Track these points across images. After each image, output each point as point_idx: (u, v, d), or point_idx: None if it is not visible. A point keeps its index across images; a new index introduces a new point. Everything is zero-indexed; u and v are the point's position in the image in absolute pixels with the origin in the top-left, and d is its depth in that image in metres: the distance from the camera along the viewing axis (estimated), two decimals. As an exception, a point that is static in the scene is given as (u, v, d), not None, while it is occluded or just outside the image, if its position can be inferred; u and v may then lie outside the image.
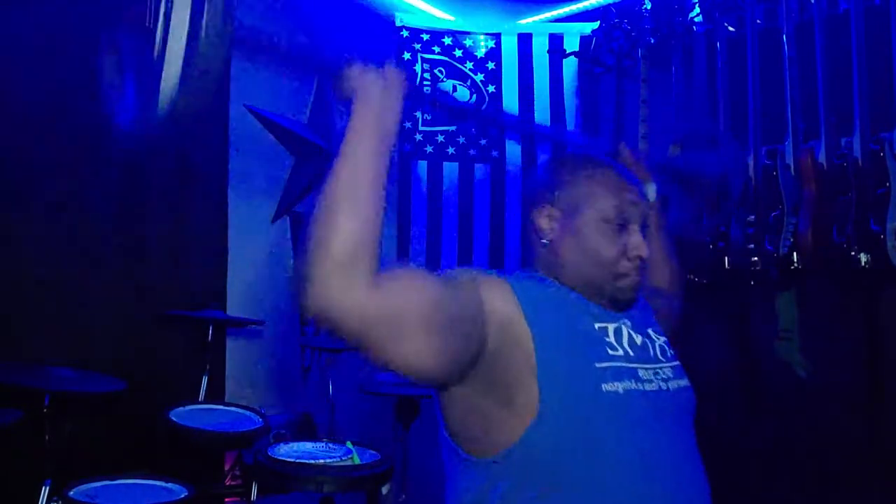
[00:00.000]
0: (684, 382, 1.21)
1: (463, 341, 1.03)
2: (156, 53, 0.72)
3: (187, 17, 0.68)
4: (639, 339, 1.19)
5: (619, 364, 1.11)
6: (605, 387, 1.07)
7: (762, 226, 2.88)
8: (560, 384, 1.05)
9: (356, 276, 0.93)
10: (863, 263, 2.61)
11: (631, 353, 1.14)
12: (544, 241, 1.22)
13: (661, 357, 1.20)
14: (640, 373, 1.13)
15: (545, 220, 1.23)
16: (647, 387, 1.12)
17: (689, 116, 3.27)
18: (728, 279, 2.98)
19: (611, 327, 1.16)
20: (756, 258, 2.88)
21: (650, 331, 1.24)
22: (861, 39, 2.75)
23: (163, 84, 0.75)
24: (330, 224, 0.95)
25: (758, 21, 3.06)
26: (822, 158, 2.78)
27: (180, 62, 0.71)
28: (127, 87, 0.77)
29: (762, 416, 3.03)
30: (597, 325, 1.15)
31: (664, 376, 1.16)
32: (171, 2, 0.67)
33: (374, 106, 1.06)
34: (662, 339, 1.24)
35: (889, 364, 2.76)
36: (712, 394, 3.08)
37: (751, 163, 2.99)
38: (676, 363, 1.23)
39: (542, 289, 1.18)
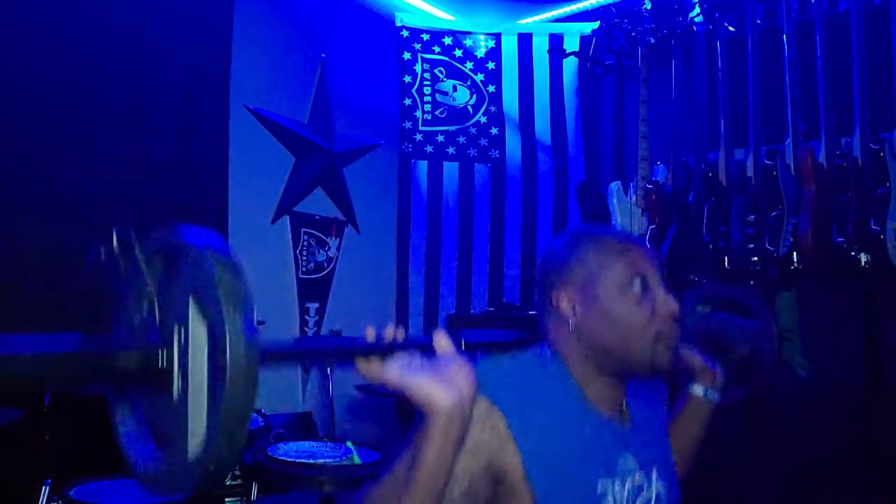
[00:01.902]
0: None
1: None
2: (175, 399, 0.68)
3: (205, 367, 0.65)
4: (634, 495, 1.16)
5: None
6: None
7: (762, 226, 2.88)
8: None
9: None
10: (863, 263, 2.61)
11: None
12: (571, 325, 1.16)
13: None
14: None
15: (565, 302, 1.17)
16: None
17: (690, 121, 3.27)
18: (728, 279, 2.99)
19: (611, 483, 1.14)
20: (756, 258, 2.89)
21: (654, 472, 1.21)
22: (861, 39, 2.75)
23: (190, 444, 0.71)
24: None
25: (758, 21, 3.07)
26: (822, 158, 2.78)
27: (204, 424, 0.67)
28: (144, 436, 0.74)
29: (762, 415, 3.03)
30: (599, 486, 1.12)
31: None
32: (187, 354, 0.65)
33: (454, 441, 0.91)
34: (662, 483, 1.22)
35: (888, 364, 2.76)
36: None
37: (750, 163, 3.00)
38: None
39: (550, 418, 1.12)
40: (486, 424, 1.05)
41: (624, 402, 1.22)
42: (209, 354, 0.68)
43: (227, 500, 2.94)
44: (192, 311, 0.70)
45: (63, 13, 2.84)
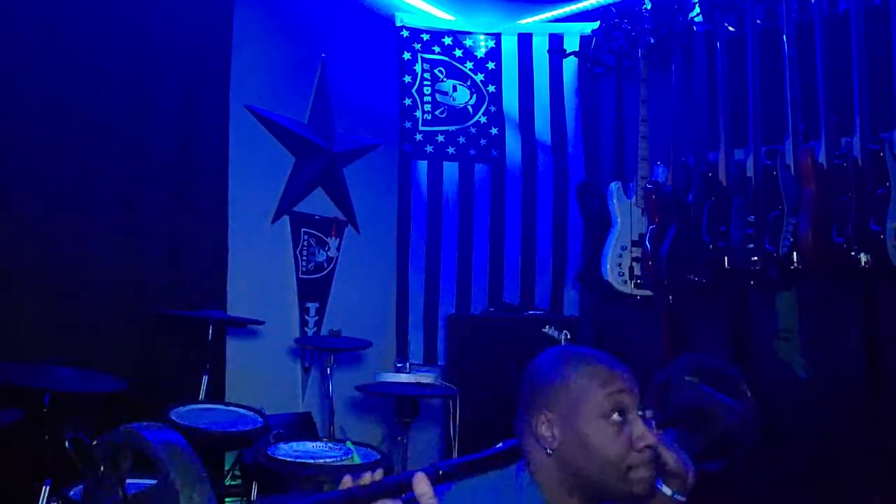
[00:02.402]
0: None
1: None
2: None
3: None
4: None
5: None
6: None
7: (762, 226, 2.88)
8: None
9: None
10: (863, 263, 2.61)
11: None
12: (549, 450, 1.18)
13: None
14: None
15: (544, 427, 1.19)
16: None
17: (690, 121, 3.27)
18: (728, 279, 2.98)
19: None
20: (756, 258, 2.88)
21: None
22: (861, 39, 2.75)
23: None
24: None
25: (758, 21, 3.06)
26: (822, 158, 2.78)
27: None
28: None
29: (761, 415, 3.03)
30: None
31: None
32: None
33: None
34: None
35: (888, 364, 2.76)
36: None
37: (750, 163, 3.00)
38: None
39: None
40: None
41: None
42: None
43: (227, 500, 2.94)
44: None
45: (63, 13, 2.84)
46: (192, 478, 0.72)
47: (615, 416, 1.17)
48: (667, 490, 1.37)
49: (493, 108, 4.29)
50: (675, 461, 1.35)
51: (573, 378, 1.20)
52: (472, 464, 1.16)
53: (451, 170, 4.25)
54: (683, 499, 1.38)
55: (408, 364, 3.62)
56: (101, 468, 0.81)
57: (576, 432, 1.17)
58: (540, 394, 1.21)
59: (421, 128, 4.24)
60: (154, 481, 0.75)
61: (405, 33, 4.27)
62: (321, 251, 3.97)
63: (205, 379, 2.84)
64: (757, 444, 1.57)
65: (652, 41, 3.47)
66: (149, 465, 0.76)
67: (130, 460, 0.82)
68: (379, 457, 2.57)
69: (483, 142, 4.27)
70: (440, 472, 0.99)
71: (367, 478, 0.94)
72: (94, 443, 0.84)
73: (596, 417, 1.16)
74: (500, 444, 1.23)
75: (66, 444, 0.81)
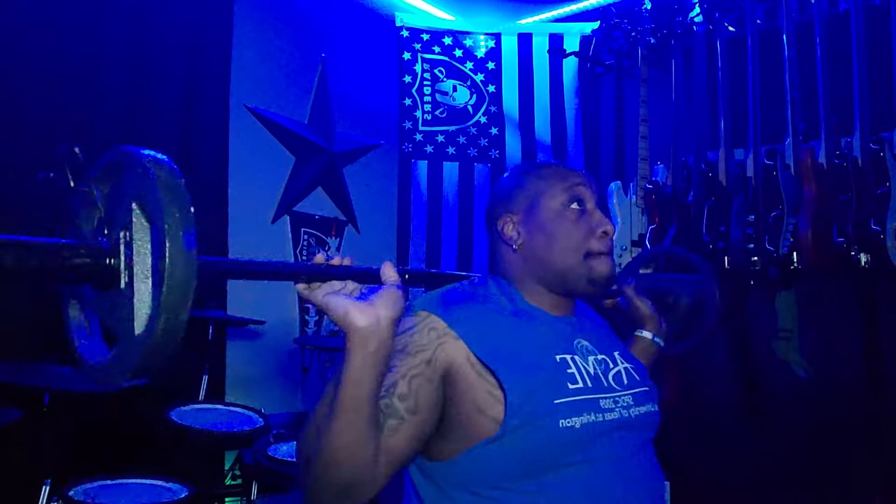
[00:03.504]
0: (646, 408, 1.21)
1: (437, 415, 1.10)
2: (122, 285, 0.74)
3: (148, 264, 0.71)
4: (600, 367, 1.19)
5: (578, 397, 1.11)
6: (563, 423, 1.07)
7: (762, 226, 2.88)
8: (519, 416, 1.07)
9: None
10: (863, 263, 2.61)
11: (590, 384, 1.14)
12: (514, 247, 1.24)
13: (623, 383, 1.20)
14: (601, 402, 1.14)
15: (509, 227, 1.25)
16: (608, 416, 1.13)
17: (690, 121, 3.27)
18: (728, 279, 2.99)
19: (570, 358, 1.16)
20: (756, 258, 2.88)
21: (616, 355, 1.25)
22: (861, 39, 2.75)
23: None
24: (331, 469, 0.98)
25: (758, 21, 3.07)
26: (822, 158, 2.78)
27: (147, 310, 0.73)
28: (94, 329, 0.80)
29: (761, 415, 3.03)
30: (557, 357, 1.15)
31: (624, 403, 1.17)
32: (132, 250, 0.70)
33: (372, 359, 0.95)
34: (627, 364, 1.24)
35: (888, 363, 2.76)
36: (712, 393, 3.10)
37: (750, 163, 3.00)
38: (641, 388, 1.22)
39: (495, 318, 1.17)
40: (424, 327, 1.12)
41: (572, 311, 1.27)
42: (153, 248, 0.77)
43: (227, 500, 2.94)
44: (136, 213, 0.79)
45: (62, 13, 2.84)
46: (173, 195, 0.79)
47: (574, 206, 1.23)
48: (647, 334, 1.49)
49: (493, 108, 4.29)
50: (648, 307, 1.50)
51: (532, 179, 1.27)
52: (438, 275, 1.24)
53: (451, 170, 4.25)
54: (662, 343, 1.49)
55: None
56: (90, 186, 0.85)
57: (537, 225, 1.23)
58: (502, 200, 1.28)
59: (421, 128, 4.24)
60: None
61: (405, 33, 4.27)
62: (321, 251, 3.96)
63: (205, 379, 2.84)
64: (721, 313, 1.67)
65: (652, 41, 3.47)
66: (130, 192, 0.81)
67: (113, 178, 0.89)
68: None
69: (483, 142, 4.27)
70: (406, 276, 1.03)
71: (336, 260, 0.98)
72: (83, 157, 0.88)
73: (555, 207, 1.23)
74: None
75: (57, 155, 0.85)
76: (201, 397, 2.81)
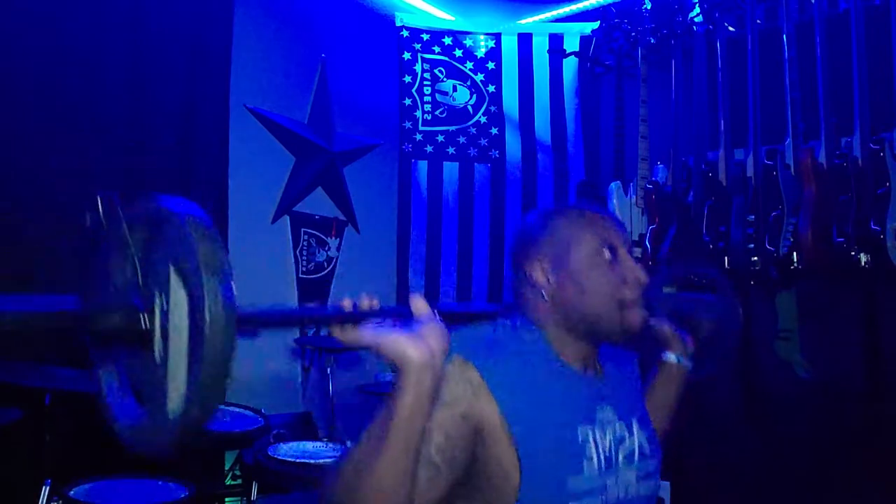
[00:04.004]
0: (647, 484, 1.23)
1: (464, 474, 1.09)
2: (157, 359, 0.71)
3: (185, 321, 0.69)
4: (616, 443, 1.20)
5: (590, 483, 1.14)
6: None
7: (762, 226, 2.88)
8: (532, 491, 1.08)
9: None
10: (863, 263, 2.61)
11: (603, 467, 1.16)
12: (544, 294, 1.22)
13: (633, 461, 1.22)
14: (608, 483, 1.16)
15: (539, 273, 1.22)
16: (610, 494, 1.16)
17: (690, 121, 3.27)
18: (728, 279, 2.98)
19: (591, 431, 1.17)
20: (756, 258, 2.88)
21: (635, 423, 1.25)
22: (861, 39, 2.75)
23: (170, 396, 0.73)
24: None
25: (758, 21, 3.06)
26: (822, 158, 2.78)
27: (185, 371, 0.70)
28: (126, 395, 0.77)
29: (762, 415, 3.03)
30: (579, 431, 1.16)
31: (628, 480, 1.20)
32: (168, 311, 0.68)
33: (426, 395, 0.93)
34: (642, 434, 1.25)
35: (888, 364, 2.76)
36: (712, 393, 3.09)
37: (750, 163, 3.00)
38: (648, 464, 1.24)
39: (526, 373, 1.16)
40: (461, 378, 1.09)
41: (598, 363, 1.27)
42: (189, 316, 0.72)
43: (227, 500, 2.94)
44: (173, 277, 0.74)
45: (62, 13, 2.84)
46: (210, 247, 0.74)
47: (605, 254, 1.21)
48: (672, 357, 1.46)
49: (493, 108, 4.29)
50: (670, 330, 1.46)
51: (562, 224, 1.25)
52: (468, 313, 1.23)
53: (451, 170, 4.25)
54: (689, 364, 1.47)
55: (408, 364, 3.61)
56: (123, 231, 0.82)
57: (569, 273, 1.21)
58: (532, 245, 1.25)
59: (421, 128, 4.24)
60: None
61: (405, 33, 4.27)
62: (321, 251, 3.97)
63: (205, 379, 2.83)
64: (741, 340, 1.66)
65: (652, 41, 3.46)
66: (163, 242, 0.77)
67: (145, 232, 0.83)
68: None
69: (483, 142, 4.27)
70: (437, 313, 1.00)
71: (365, 302, 0.95)
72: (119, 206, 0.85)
73: (587, 255, 1.21)
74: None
75: (98, 202, 0.82)
76: (201, 397, 2.80)
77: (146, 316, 0.75)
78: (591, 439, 1.16)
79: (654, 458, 1.26)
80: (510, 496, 1.07)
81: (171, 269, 0.74)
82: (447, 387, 1.06)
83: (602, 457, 1.16)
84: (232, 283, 0.73)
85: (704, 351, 1.57)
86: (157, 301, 0.75)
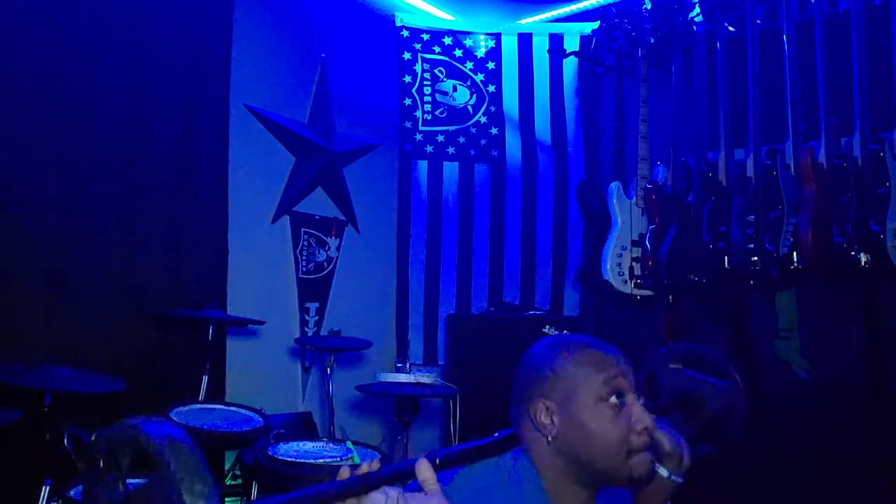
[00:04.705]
0: None
1: None
2: None
3: None
4: None
5: None
6: None
7: (762, 226, 2.88)
8: None
9: None
10: (863, 263, 2.61)
11: None
12: (548, 437, 1.19)
13: None
14: None
15: (543, 415, 1.19)
16: None
17: (690, 121, 3.27)
18: (728, 279, 2.99)
19: None
20: (756, 258, 2.88)
21: None
22: (861, 39, 2.75)
23: None
24: None
25: (758, 21, 3.06)
26: (822, 158, 2.78)
27: None
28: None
29: (761, 415, 3.03)
30: None
31: None
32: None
33: None
34: None
35: (889, 363, 2.76)
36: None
37: (750, 163, 3.00)
38: None
39: None
40: None
41: None
42: None
43: (227, 500, 2.94)
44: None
45: (62, 13, 2.84)
46: (192, 470, 0.71)
47: (612, 400, 1.17)
48: (664, 472, 1.37)
49: (493, 108, 4.29)
50: (669, 442, 1.35)
51: (568, 365, 1.20)
52: (469, 451, 1.16)
53: (451, 170, 4.25)
54: (680, 480, 1.39)
55: (408, 364, 3.61)
56: (101, 463, 0.80)
57: (574, 418, 1.17)
58: (536, 383, 1.22)
59: (421, 128, 4.24)
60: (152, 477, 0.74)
61: (405, 33, 4.27)
62: (321, 251, 3.97)
63: (205, 379, 2.84)
64: (747, 423, 1.60)
65: (652, 41, 3.47)
66: (149, 460, 0.76)
67: (130, 456, 0.81)
68: (379, 457, 2.57)
69: (483, 142, 4.27)
70: (437, 461, 0.98)
71: (364, 467, 0.93)
72: (93, 438, 0.83)
73: (593, 402, 1.17)
74: (496, 434, 1.23)
75: (65, 440, 0.81)
76: (201, 397, 2.80)
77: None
78: None
79: None
80: None
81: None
82: None
83: None
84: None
85: (707, 432, 1.53)
86: None
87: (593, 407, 1.17)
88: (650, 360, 1.62)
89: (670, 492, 1.38)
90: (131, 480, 0.81)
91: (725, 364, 1.64)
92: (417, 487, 0.96)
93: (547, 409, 1.19)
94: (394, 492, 0.92)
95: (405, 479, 0.95)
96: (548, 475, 1.19)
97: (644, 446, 1.18)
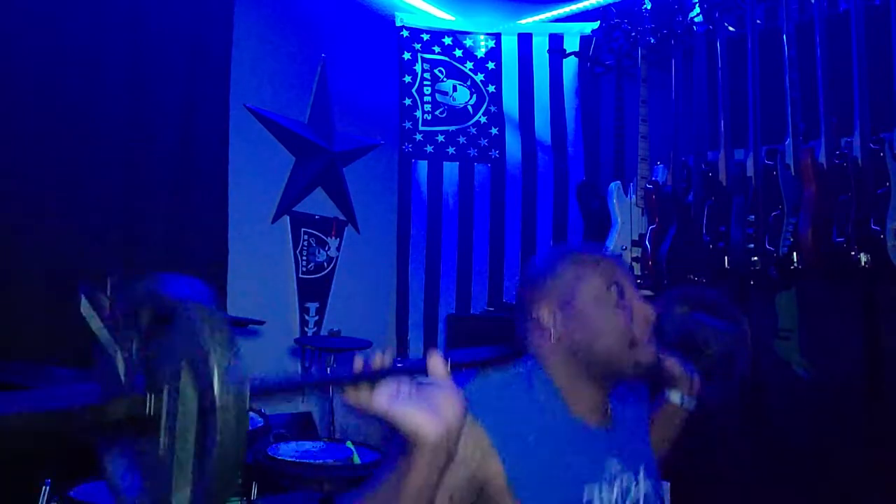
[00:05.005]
0: None
1: None
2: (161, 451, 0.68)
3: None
4: (622, 496, 1.19)
5: None
6: None
7: (762, 226, 2.88)
8: None
9: None
10: (863, 263, 2.61)
11: None
12: (552, 336, 1.20)
13: None
14: None
15: (546, 314, 1.21)
16: None
17: (690, 121, 3.27)
18: (728, 279, 2.98)
19: (597, 489, 1.16)
20: (756, 258, 2.88)
21: (641, 470, 1.24)
22: (861, 39, 2.75)
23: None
24: None
25: (758, 21, 3.07)
26: (822, 158, 2.78)
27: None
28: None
29: (761, 415, 3.03)
30: (585, 491, 1.15)
31: None
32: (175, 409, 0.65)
33: (439, 473, 0.91)
34: (647, 483, 1.25)
35: (889, 363, 2.76)
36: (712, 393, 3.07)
37: (750, 163, 3.00)
38: None
39: (536, 434, 1.14)
40: (469, 440, 1.06)
41: (608, 408, 1.25)
42: (198, 412, 0.68)
43: (227, 500, 2.94)
44: (184, 368, 0.70)
45: (62, 13, 2.84)
46: (210, 320, 0.70)
47: (612, 291, 1.20)
48: (675, 397, 1.45)
49: (493, 108, 4.29)
50: (678, 368, 1.43)
51: (568, 267, 1.23)
52: (482, 361, 1.17)
53: (451, 170, 4.25)
54: (692, 405, 1.45)
55: (408, 364, 3.61)
56: (120, 322, 0.79)
57: (577, 314, 1.20)
58: (538, 288, 1.24)
59: (421, 128, 4.24)
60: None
61: (405, 33, 4.27)
62: (321, 251, 3.97)
63: (205, 379, 2.83)
64: (749, 365, 1.62)
65: (652, 41, 3.47)
66: (167, 315, 0.74)
67: (149, 313, 0.80)
68: (379, 456, 2.57)
69: (483, 142, 4.27)
70: (450, 363, 0.96)
71: (378, 359, 0.91)
72: (110, 292, 0.82)
73: (594, 296, 1.20)
74: (502, 347, 1.24)
75: (81, 296, 0.79)
76: (201, 397, 2.80)
77: (152, 400, 0.72)
78: (596, 497, 1.15)
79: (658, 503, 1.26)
80: None
81: (182, 358, 0.71)
82: (470, 465, 1.06)
83: None
84: (241, 363, 0.70)
85: (713, 375, 1.54)
86: (165, 396, 0.71)
87: (594, 301, 1.20)
88: (657, 303, 1.64)
89: (683, 418, 1.45)
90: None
91: (729, 306, 1.67)
92: None
93: (550, 310, 1.21)
94: (406, 381, 0.91)
95: (420, 373, 0.93)
96: (557, 374, 1.20)
97: (646, 336, 1.20)
